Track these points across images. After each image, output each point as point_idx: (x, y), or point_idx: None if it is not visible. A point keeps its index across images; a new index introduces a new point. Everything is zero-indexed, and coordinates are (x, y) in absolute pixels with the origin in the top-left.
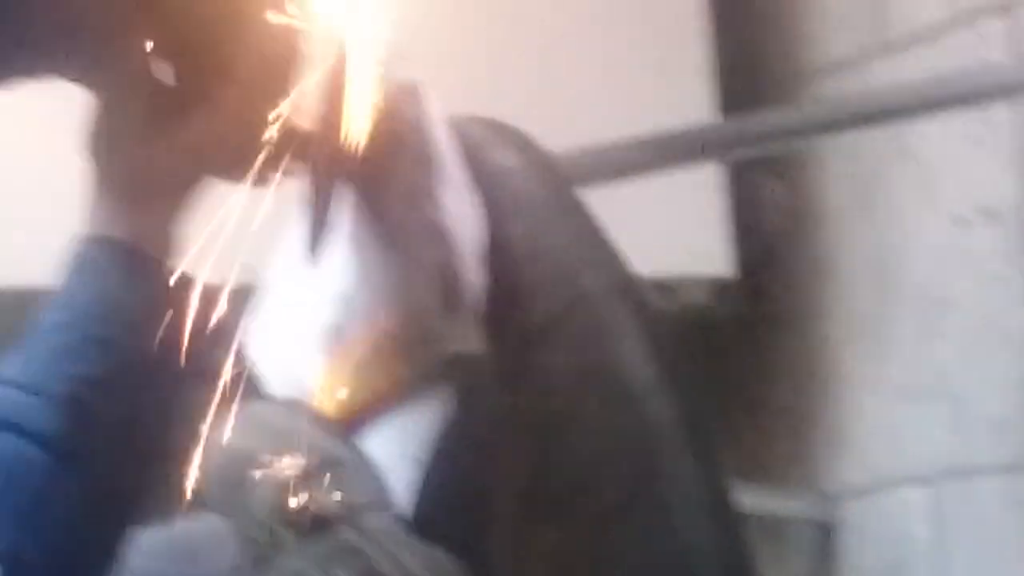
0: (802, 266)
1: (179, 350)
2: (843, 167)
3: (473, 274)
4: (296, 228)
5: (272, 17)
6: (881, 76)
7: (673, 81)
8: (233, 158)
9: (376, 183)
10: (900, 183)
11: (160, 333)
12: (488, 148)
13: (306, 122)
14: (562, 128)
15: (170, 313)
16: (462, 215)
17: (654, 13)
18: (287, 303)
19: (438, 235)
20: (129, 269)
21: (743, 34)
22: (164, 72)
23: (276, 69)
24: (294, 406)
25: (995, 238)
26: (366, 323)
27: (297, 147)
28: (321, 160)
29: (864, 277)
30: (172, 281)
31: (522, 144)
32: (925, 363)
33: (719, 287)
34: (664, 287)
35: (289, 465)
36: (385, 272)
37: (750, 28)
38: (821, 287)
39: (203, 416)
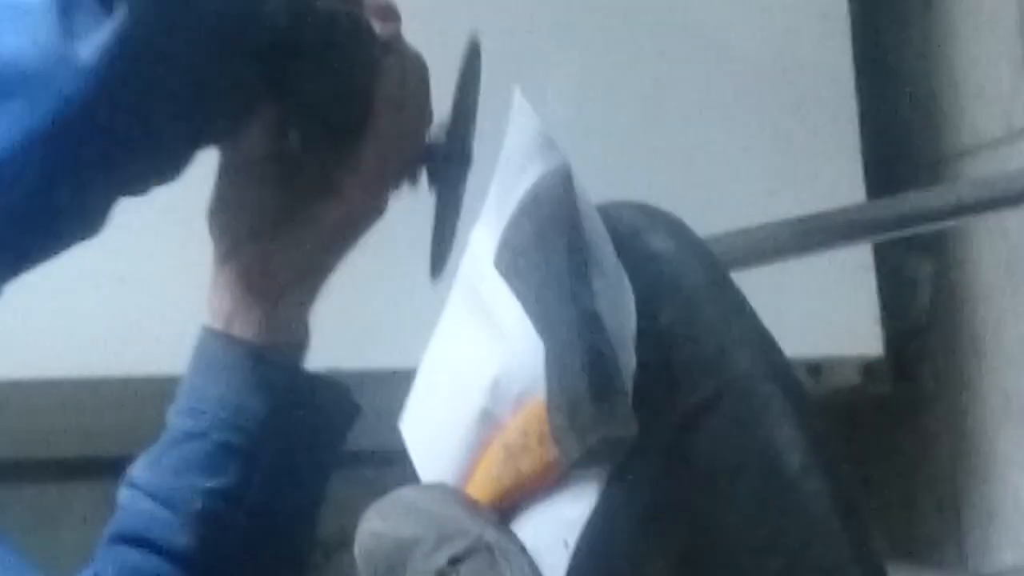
0: (952, 345)
1: (314, 449)
2: (993, 245)
3: (624, 358)
4: (446, 314)
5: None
6: None
7: (822, 163)
8: (366, 230)
9: (528, 270)
10: None
11: (294, 433)
12: (639, 232)
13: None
14: (712, 211)
15: (302, 411)
16: (614, 300)
17: (803, 96)
18: (437, 388)
19: (591, 321)
20: (257, 371)
21: (891, 115)
22: (297, 146)
23: (414, 129)
24: (445, 491)
25: None
26: (517, 408)
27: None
28: (449, 174)
29: (1015, 356)
30: (302, 378)
31: (673, 228)
32: None
33: (868, 367)
34: (813, 367)
35: (442, 552)
36: (535, 357)
37: (898, 109)
38: (972, 366)
39: (347, 509)
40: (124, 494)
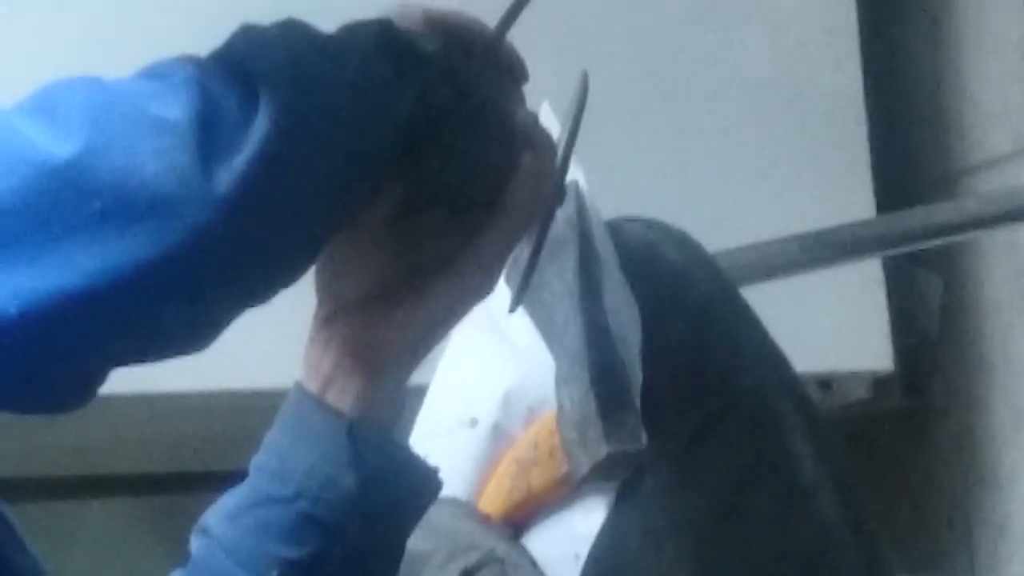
0: (962, 360)
1: (394, 527)
2: (1002, 260)
3: (634, 372)
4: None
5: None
6: None
7: (832, 179)
8: (474, 307)
9: (539, 287)
10: None
11: (378, 510)
12: (649, 247)
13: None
14: (722, 226)
15: (390, 490)
16: (623, 316)
17: (812, 112)
18: (449, 403)
19: (601, 337)
20: (351, 447)
21: (901, 132)
22: (421, 222)
23: (537, 203)
24: (456, 505)
25: None
26: (528, 423)
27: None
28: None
29: None
30: (393, 456)
31: (682, 243)
32: None
33: (878, 382)
34: (823, 382)
35: (454, 565)
36: (545, 372)
37: (907, 126)
38: (981, 381)
39: None
40: (199, 544)
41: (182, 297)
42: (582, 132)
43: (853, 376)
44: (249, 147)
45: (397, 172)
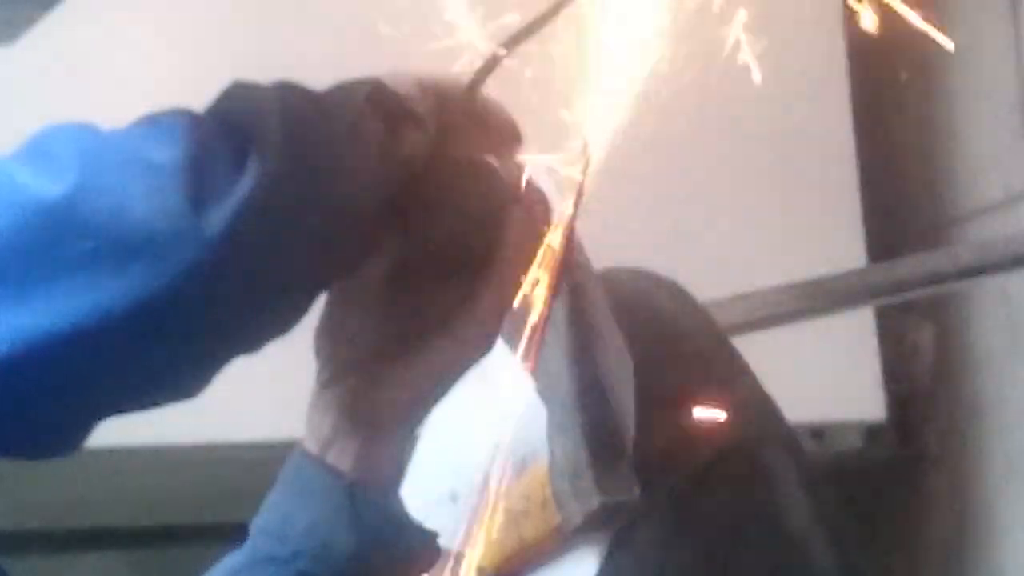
0: (954, 408)
1: None
2: (994, 309)
3: (626, 423)
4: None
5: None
6: None
7: (822, 228)
8: (472, 367)
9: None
10: None
11: (375, 571)
12: (641, 298)
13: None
14: (713, 276)
15: (387, 551)
16: (616, 363)
17: (803, 163)
18: (439, 454)
19: (592, 385)
20: (350, 507)
21: (892, 181)
22: (407, 278)
23: (524, 257)
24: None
25: None
26: (519, 474)
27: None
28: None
29: (1017, 419)
30: (391, 517)
31: (675, 293)
32: None
33: (871, 431)
34: (816, 431)
35: None
36: (538, 423)
37: (898, 174)
38: (974, 430)
39: None
40: None
41: (172, 339)
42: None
43: (846, 425)
44: (240, 190)
45: (389, 230)
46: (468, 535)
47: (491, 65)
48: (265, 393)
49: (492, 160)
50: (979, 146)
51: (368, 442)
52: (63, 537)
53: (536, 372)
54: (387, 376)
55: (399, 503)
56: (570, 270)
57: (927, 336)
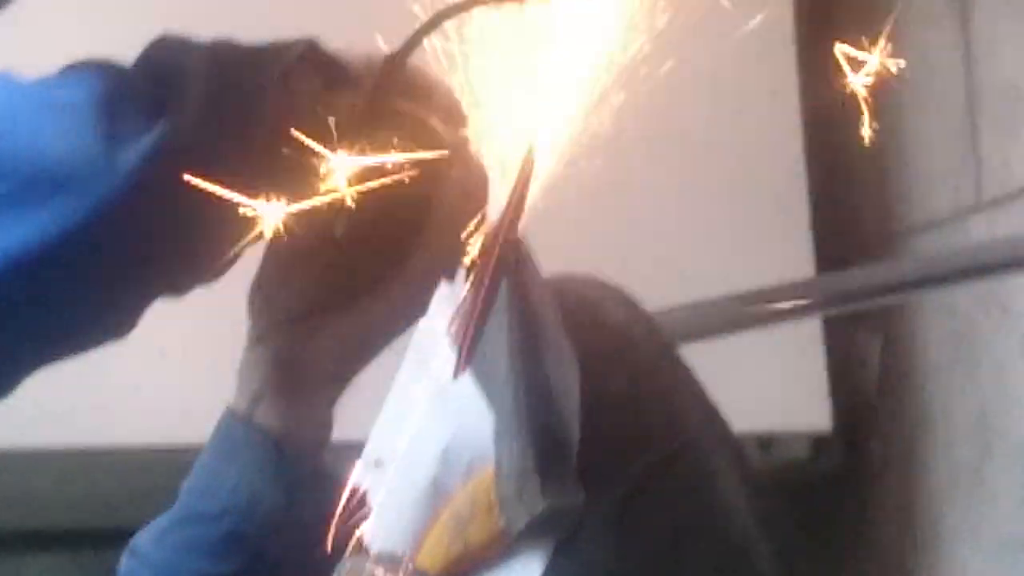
0: (901, 420)
1: (320, 546)
2: (941, 322)
3: (572, 427)
4: (396, 385)
5: (456, 178)
6: (977, 235)
7: (772, 239)
8: (404, 330)
9: (479, 342)
10: (998, 338)
11: (304, 528)
12: (589, 304)
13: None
14: (662, 285)
15: (315, 507)
16: (562, 368)
17: (752, 173)
18: (387, 458)
19: (538, 389)
20: (276, 463)
21: (841, 193)
22: (344, 242)
23: (458, 226)
24: (395, 561)
25: None
26: (467, 478)
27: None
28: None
29: (963, 431)
30: (318, 474)
31: (622, 300)
32: None
33: (818, 441)
34: (764, 441)
35: None
36: (484, 426)
37: (848, 187)
38: (920, 441)
39: None
40: (127, 563)
41: (91, 275)
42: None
43: (793, 435)
44: (155, 132)
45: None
46: (414, 538)
47: (419, 37)
48: (211, 396)
49: (435, 126)
50: (928, 160)
51: (296, 399)
52: (9, 537)
53: (483, 376)
54: (317, 334)
55: (325, 461)
56: (511, 269)
57: (874, 347)
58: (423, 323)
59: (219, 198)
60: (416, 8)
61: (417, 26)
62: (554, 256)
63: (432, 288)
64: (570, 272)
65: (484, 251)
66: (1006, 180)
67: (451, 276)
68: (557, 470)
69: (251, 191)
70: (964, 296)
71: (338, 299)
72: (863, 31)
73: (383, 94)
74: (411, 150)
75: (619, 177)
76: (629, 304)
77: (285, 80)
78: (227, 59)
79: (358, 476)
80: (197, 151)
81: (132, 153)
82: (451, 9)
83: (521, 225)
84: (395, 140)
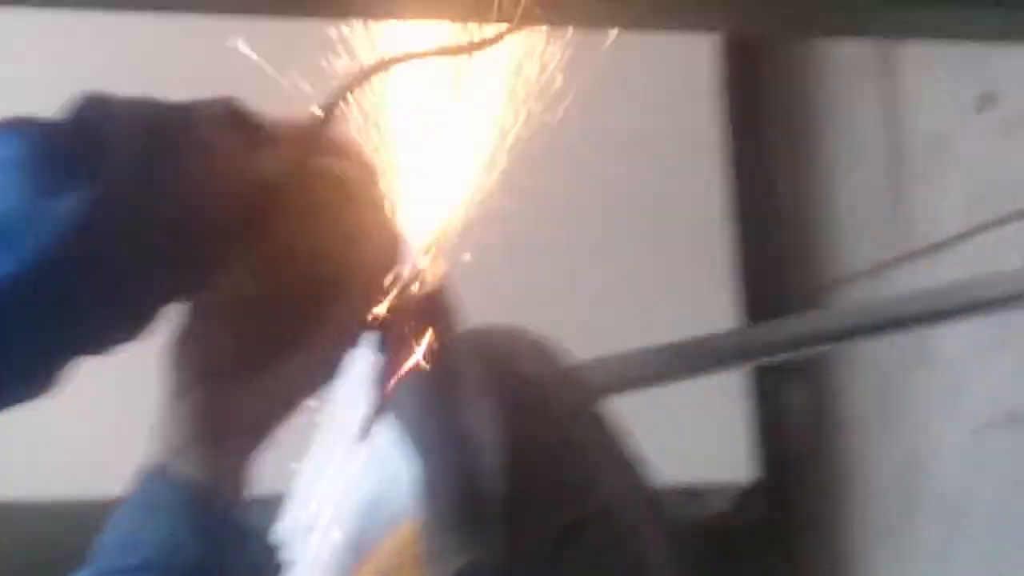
0: (825, 473)
1: None
2: (865, 375)
3: (493, 483)
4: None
5: (372, 230)
6: (902, 285)
7: (698, 291)
8: (322, 386)
9: (400, 392)
10: (922, 390)
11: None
12: (511, 357)
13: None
14: (587, 337)
15: (233, 562)
16: (483, 424)
17: (679, 225)
18: (310, 512)
19: (459, 445)
20: (195, 517)
21: (767, 247)
22: (263, 299)
23: (375, 283)
24: None
25: (1017, 444)
26: (390, 532)
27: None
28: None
29: (887, 484)
30: (237, 528)
31: (546, 352)
32: (948, 569)
33: (742, 494)
34: (690, 493)
35: None
36: (407, 482)
37: (773, 241)
38: (844, 494)
39: None
40: None
41: (14, 333)
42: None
43: (719, 487)
44: (82, 189)
45: (246, 246)
46: None
47: (345, 91)
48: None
49: (354, 190)
50: (851, 213)
51: (214, 452)
52: None
53: (407, 430)
54: (239, 389)
55: (246, 515)
56: (428, 325)
57: (799, 400)
58: (344, 381)
59: (146, 257)
60: (332, 63)
61: (343, 80)
62: (477, 309)
63: (350, 345)
64: (492, 324)
65: (399, 310)
66: (930, 232)
67: (369, 334)
68: (479, 524)
69: (177, 249)
70: (888, 349)
71: (257, 355)
72: (788, 83)
73: (308, 150)
74: (334, 205)
75: (544, 229)
76: (549, 357)
77: (207, 140)
78: (151, 116)
79: (285, 535)
80: (124, 209)
81: (59, 211)
82: (380, 64)
83: (442, 278)
84: (315, 197)
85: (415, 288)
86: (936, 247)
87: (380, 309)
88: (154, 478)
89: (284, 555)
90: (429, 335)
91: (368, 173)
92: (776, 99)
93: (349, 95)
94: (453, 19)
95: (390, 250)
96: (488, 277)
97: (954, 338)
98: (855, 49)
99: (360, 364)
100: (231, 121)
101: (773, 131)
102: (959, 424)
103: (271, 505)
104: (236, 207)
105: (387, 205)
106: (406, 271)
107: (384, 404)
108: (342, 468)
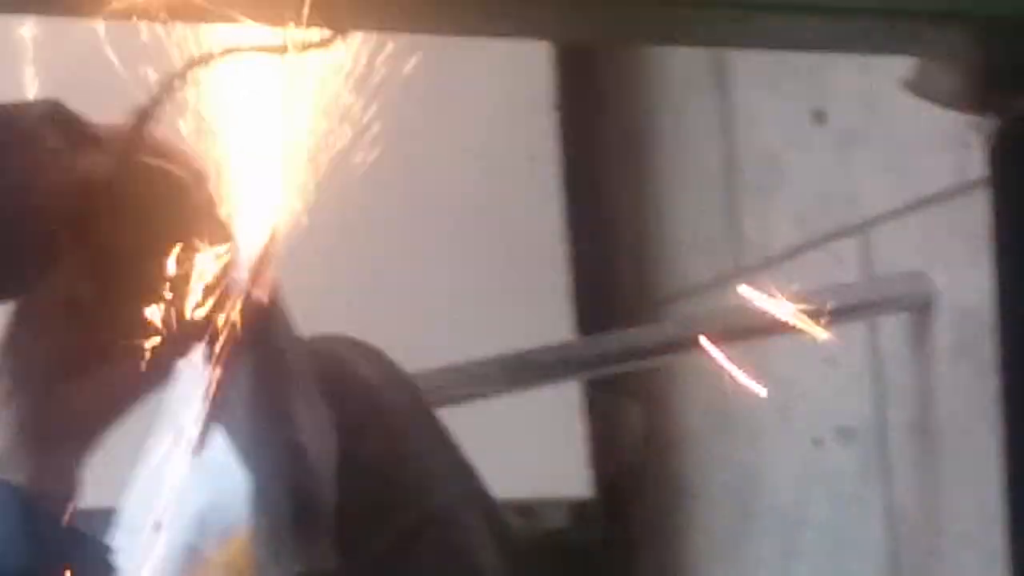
0: (661, 487)
1: None
2: (699, 390)
3: (326, 491)
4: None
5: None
6: (735, 300)
7: (532, 306)
8: (149, 392)
9: (232, 401)
10: (757, 404)
11: None
12: (345, 364)
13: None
14: (420, 349)
15: (62, 564)
16: (316, 432)
17: (514, 238)
18: (140, 525)
19: (292, 454)
20: (22, 519)
21: (603, 260)
22: (90, 301)
23: (202, 285)
24: None
25: (851, 458)
26: (222, 543)
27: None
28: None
29: (723, 497)
30: (66, 530)
31: (379, 361)
32: None
33: (577, 508)
34: (524, 509)
35: None
36: (239, 491)
37: (610, 255)
38: (680, 508)
39: None
40: None
41: None
42: (295, 253)
43: (553, 503)
44: None
45: (70, 247)
46: None
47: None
48: None
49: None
50: (688, 226)
51: (41, 455)
52: None
53: (238, 439)
54: (63, 392)
55: (77, 519)
56: (258, 334)
57: (634, 414)
58: (176, 389)
59: None
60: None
61: (164, 77)
62: (312, 318)
63: (178, 350)
64: (324, 333)
65: (228, 318)
66: (764, 247)
67: (199, 343)
68: (312, 533)
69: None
70: (721, 365)
71: (82, 359)
72: (624, 96)
73: (133, 145)
74: (160, 206)
75: (377, 239)
76: (384, 363)
77: (30, 138)
78: None
79: (118, 540)
80: None
81: None
82: (202, 58)
83: (273, 287)
84: (139, 196)
85: (245, 297)
86: (769, 262)
87: (209, 317)
88: None
89: (117, 558)
90: (259, 343)
91: (195, 175)
92: (612, 112)
93: (170, 92)
94: (275, 23)
95: (218, 252)
96: (319, 287)
97: (786, 353)
98: (690, 64)
99: (191, 373)
100: (54, 120)
101: (609, 144)
102: (793, 438)
103: (105, 515)
104: (58, 206)
105: (214, 208)
106: (236, 279)
107: (214, 413)
108: (175, 477)
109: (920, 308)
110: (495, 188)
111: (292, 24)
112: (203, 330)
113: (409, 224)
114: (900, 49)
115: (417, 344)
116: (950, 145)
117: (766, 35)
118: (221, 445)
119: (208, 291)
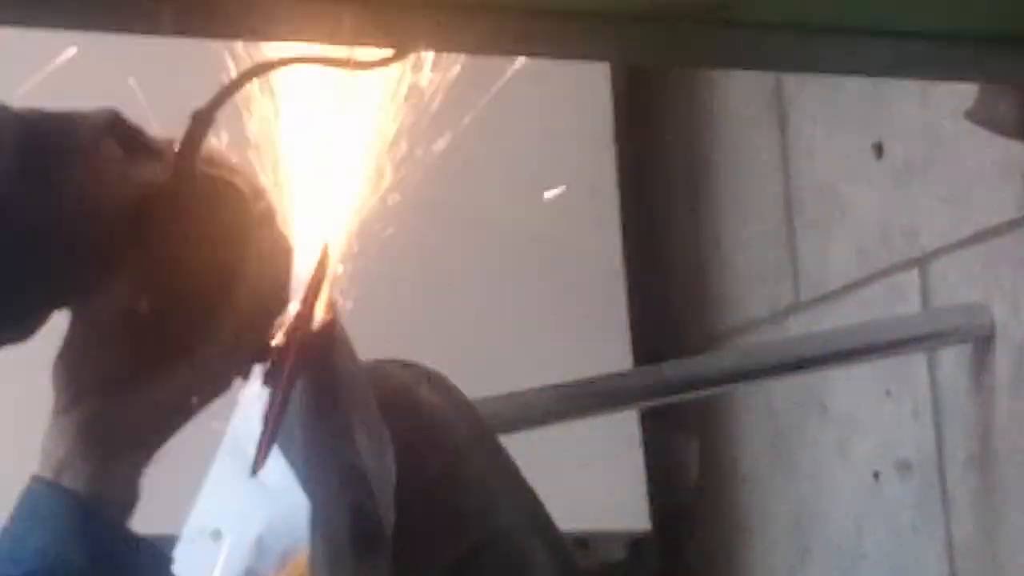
0: (719, 522)
1: None
2: (759, 424)
3: (386, 514)
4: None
5: (263, 247)
6: (794, 334)
7: (592, 338)
8: (208, 402)
9: (292, 423)
10: (815, 438)
11: None
12: (407, 388)
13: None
14: (481, 377)
15: (121, 571)
16: (376, 455)
17: (572, 270)
18: (202, 549)
19: (354, 477)
20: (81, 525)
21: (661, 294)
22: (151, 310)
23: (268, 300)
24: None
25: (909, 491)
26: (281, 567)
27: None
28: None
29: (780, 531)
30: (125, 537)
31: (441, 385)
32: None
33: (636, 542)
34: (581, 542)
35: None
36: (299, 514)
37: (668, 288)
38: (737, 542)
39: None
40: None
41: None
42: (359, 279)
43: (610, 536)
44: None
45: (132, 256)
46: None
47: (227, 93)
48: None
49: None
50: (746, 262)
51: (102, 463)
52: None
53: (298, 462)
54: (124, 399)
55: (132, 531)
56: (319, 357)
57: (693, 449)
58: (239, 410)
59: (27, 260)
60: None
61: (223, 85)
62: (374, 345)
63: (238, 362)
64: (387, 358)
65: (290, 342)
66: (823, 282)
67: (261, 366)
68: (371, 556)
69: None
70: (782, 397)
71: (147, 368)
72: (682, 129)
73: (191, 151)
74: (218, 217)
75: (443, 269)
76: (446, 388)
77: (91, 147)
78: (34, 124)
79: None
80: (6, 213)
81: None
82: (261, 66)
83: (334, 311)
84: (200, 206)
85: (307, 321)
86: (828, 296)
87: (272, 341)
88: (40, 490)
89: (175, 568)
90: (320, 365)
91: (252, 187)
92: (671, 145)
93: (228, 102)
94: (342, 42)
95: (278, 265)
96: (381, 313)
97: (845, 387)
98: (750, 98)
99: (252, 397)
100: (113, 130)
101: (668, 177)
102: (852, 471)
103: (168, 542)
104: (117, 214)
105: (273, 221)
106: (296, 303)
107: (274, 437)
108: (235, 501)
109: (980, 341)
110: (556, 220)
111: (360, 44)
112: (262, 341)
113: (472, 254)
114: (962, 75)
115: (477, 373)
116: (1010, 176)
117: (827, 59)
118: (281, 468)
119: (267, 305)
